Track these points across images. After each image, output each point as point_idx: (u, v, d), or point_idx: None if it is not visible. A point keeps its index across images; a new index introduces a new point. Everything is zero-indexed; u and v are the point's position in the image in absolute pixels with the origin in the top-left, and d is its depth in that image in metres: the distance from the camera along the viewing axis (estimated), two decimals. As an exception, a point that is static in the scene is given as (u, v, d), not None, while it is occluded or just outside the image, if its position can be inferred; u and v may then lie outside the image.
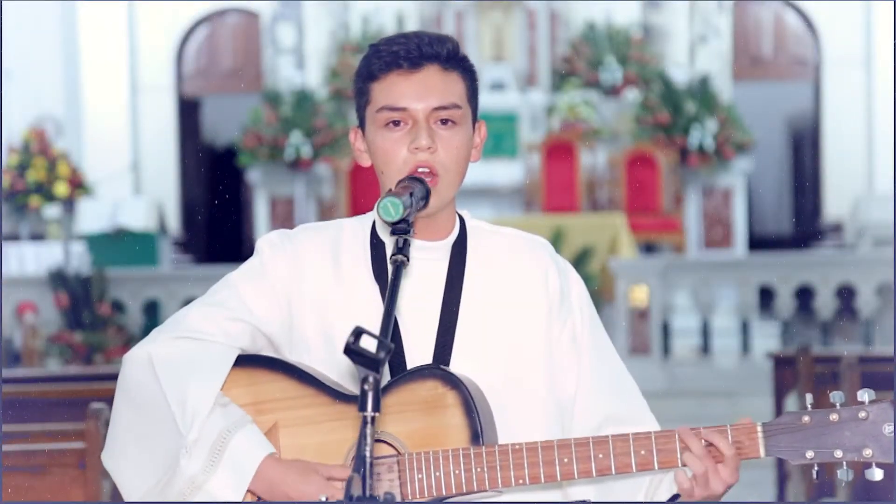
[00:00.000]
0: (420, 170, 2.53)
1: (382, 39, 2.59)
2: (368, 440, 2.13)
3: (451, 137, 2.55)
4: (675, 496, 2.54)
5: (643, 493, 2.56)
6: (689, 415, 7.40)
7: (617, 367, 2.67)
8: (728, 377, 10.63)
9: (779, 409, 6.61)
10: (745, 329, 11.11)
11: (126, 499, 2.57)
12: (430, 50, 2.55)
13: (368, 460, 2.12)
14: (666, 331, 10.89)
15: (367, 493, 2.10)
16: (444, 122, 2.55)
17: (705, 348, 11.17)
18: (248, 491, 2.49)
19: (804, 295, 11.19)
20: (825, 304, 11.01)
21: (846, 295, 11.11)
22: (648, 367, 10.01)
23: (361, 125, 2.61)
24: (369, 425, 2.14)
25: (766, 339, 11.21)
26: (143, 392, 2.53)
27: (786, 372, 6.60)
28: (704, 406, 9.35)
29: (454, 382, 2.48)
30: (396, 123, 2.55)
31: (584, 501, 2.59)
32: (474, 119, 2.62)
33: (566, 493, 2.60)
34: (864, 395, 2.42)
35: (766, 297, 11.28)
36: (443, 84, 2.55)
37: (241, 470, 2.46)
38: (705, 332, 11.14)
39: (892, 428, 2.40)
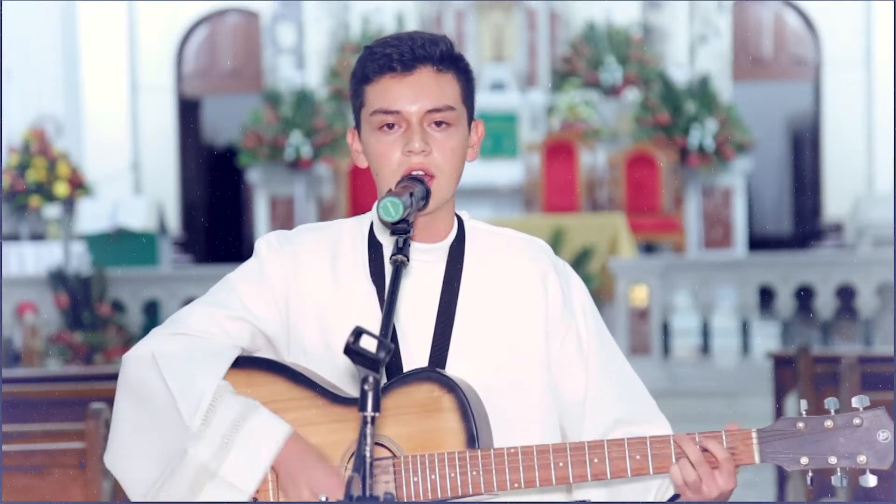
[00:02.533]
0: (415, 172, 2.53)
1: (376, 41, 2.59)
2: (368, 440, 2.13)
3: (445, 139, 2.55)
4: (675, 496, 2.54)
5: (653, 494, 2.56)
6: (689, 415, 7.40)
7: (624, 369, 2.67)
8: (728, 377, 10.63)
9: (779, 409, 6.61)
10: (745, 329, 11.11)
11: (130, 496, 2.57)
12: (423, 52, 2.55)
13: (368, 460, 2.12)
14: (666, 331, 10.89)
15: (367, 492, 2.10)
16: (439, 123, 2.55)
17: (705, 348, 11.17)
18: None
19: (804, 295, 11.19)
20: (825, 304, 11.00)
21: (846, 295, 11.11)
22: (648, 367, 10.01)
23: (357, 127, 2.61)
24: (369, 425, 2.14)
25: (766, 339, 11.20)
26: (146, 388, 2.53)
27: (786, 372, 6.60)
28: (704, 406, 9.34)
29: (450, 386, 2.48)
30: (391, 126, 2.55)
31: (583, 502, 2.59)
32: (470, 118, 2.61)
33: (574, 495, 2.60)
34: (859, 402, 2.42)
35: (766, 297, 11.28)
36: (436, 86, 2.55)
37: (256, 456, 2.46)
38: (705, 332, 11.14)
39: (886, 434, 2.40)
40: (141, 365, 2.54)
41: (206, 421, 2.46)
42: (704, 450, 2.46)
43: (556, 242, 10.91)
